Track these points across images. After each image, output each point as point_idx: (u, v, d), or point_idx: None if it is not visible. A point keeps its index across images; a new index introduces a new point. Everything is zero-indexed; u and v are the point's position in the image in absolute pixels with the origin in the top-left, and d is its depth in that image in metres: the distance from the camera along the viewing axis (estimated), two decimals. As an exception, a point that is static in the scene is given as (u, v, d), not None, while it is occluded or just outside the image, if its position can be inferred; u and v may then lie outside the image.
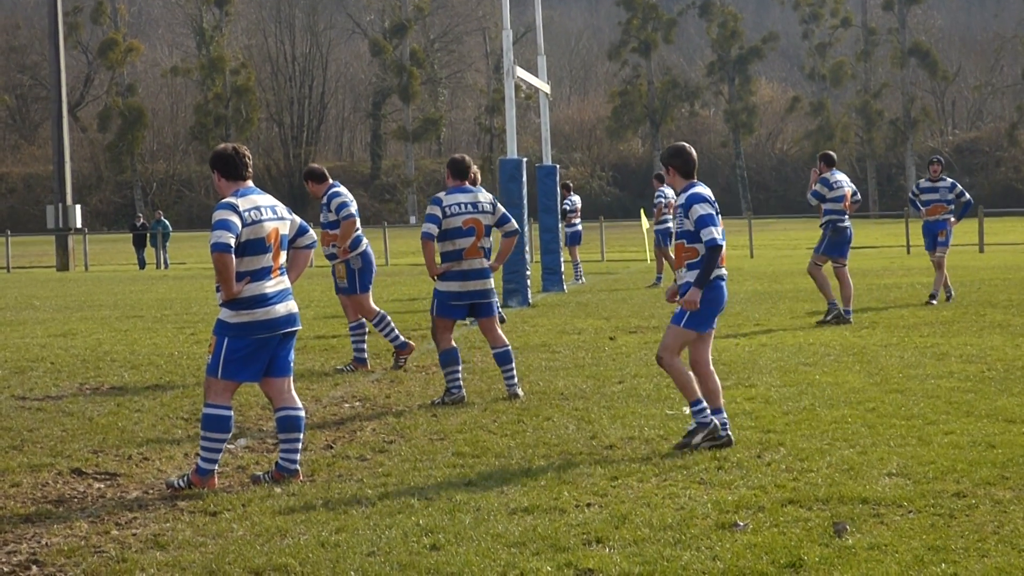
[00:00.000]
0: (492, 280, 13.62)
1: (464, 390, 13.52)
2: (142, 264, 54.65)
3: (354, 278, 16.18)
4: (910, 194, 23.90)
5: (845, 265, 20.64)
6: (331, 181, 16.26)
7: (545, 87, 32.32)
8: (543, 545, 7.80)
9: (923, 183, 23.46)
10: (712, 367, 11.02)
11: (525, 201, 26.54)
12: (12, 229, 69.51)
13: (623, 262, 47.64)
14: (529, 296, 26.03)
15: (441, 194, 13.50)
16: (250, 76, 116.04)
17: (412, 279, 36.39)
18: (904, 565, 7.25)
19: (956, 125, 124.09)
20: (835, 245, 20.65)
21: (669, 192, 29.59)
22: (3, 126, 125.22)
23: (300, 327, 9.93)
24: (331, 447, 11.23)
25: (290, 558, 7.63)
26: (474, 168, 13.91)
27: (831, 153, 21.22)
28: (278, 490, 9.43)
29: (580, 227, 33.86)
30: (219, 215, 9.52)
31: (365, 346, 16.45)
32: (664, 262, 30.72)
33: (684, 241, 10.78)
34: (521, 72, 28.26)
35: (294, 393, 9.99)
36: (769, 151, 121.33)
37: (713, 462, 9.97)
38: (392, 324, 16.30)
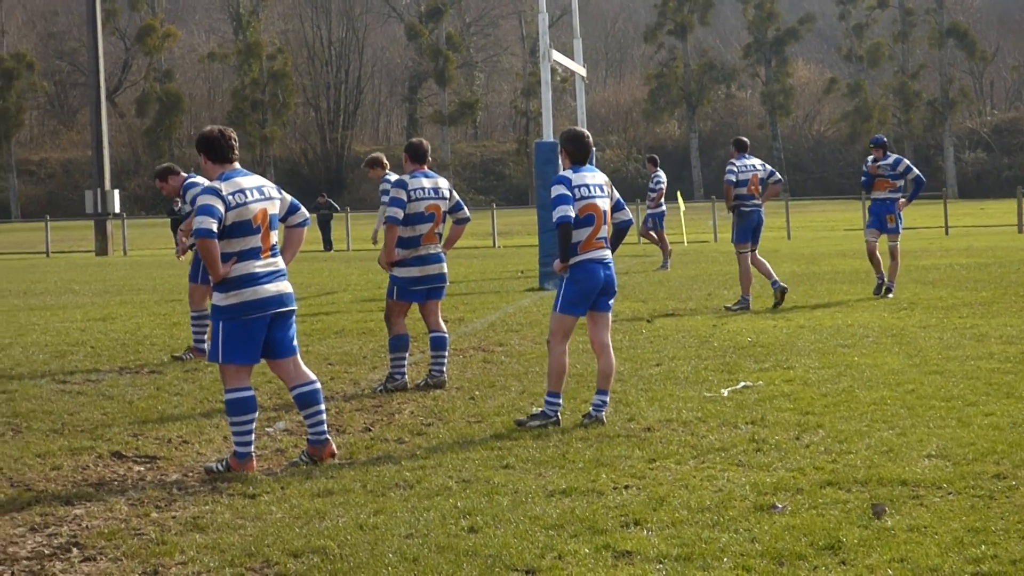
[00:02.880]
0: (446, 264, 13.77)
1: (407, 376, 13.56)
2: (180, 249, 54.77)
3: (197, 268, 16.16)
4: (862, 175, 22.13)
5: (755, 251, 20.92)
6: (186, 174, 16.24)
7: (581, 70, 32.26)
8: (581, 527, 7.80)
9: (869, 162, 21.74)
10: (609, 346, 11.35)
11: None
12: (51, 214, 69.85)
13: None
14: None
15: (405, 177, 13.58)
16: (287, 61, 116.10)
17: (448, 262, 36.39)
18: (943, 547, 7.22)
19: (995, 105, 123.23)
20: (745, 230, 20.84)
21: (664, 176, 31.03)
22: (42, 112, 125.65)
23: (294, 307, 9.90)
24: (369, 430, 11.26)
25: (328, 540, 7.65)
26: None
27: (743, 138, 21.40)
28: (316, 472, 9.46)
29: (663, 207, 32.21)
30: (202, 200, 9.52)
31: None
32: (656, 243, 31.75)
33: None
34: (557, 55, 28.23)
35: (305, 368, 10.00)
36: (806, 133, 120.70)
37: (751, 444, 9.95)
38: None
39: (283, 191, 10.04)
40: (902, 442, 9.82)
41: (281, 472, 9.59)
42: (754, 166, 20.94)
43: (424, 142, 13.97)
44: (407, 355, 13.56)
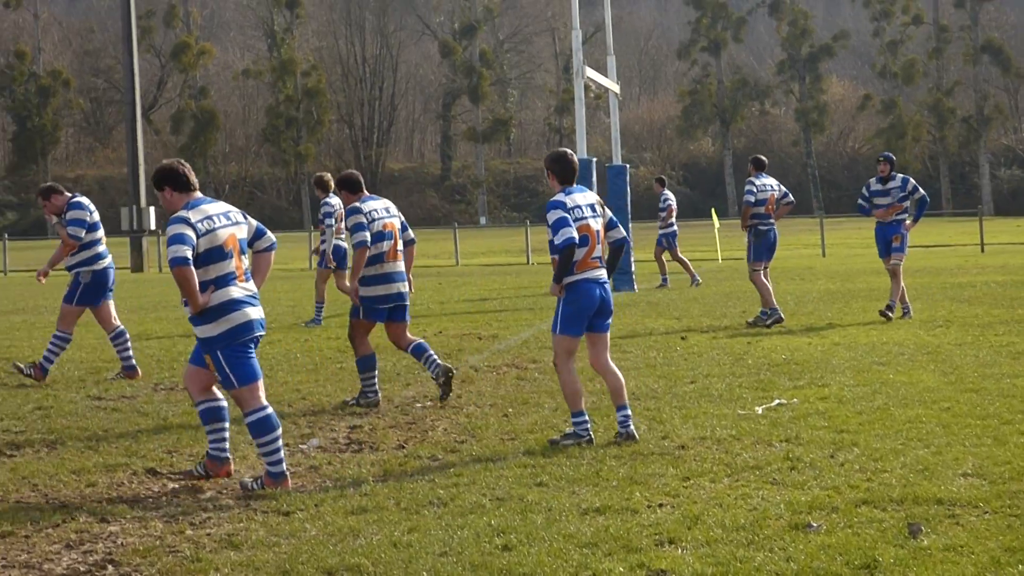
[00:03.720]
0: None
1: (379, 395, 13.70)
2: (215, 266, 54.90)
3: (75, 290, 16.19)
4: (859, 198, 21.70)
5: (766, 269, 21.04)
6: (70, 195, 16.22)
7: (615, 87, 32.27)
8: (615, 546, 7.78)
9: (873, 184, 21.31)
10: (611, 365, 11.41)
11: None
12: (87, 231, 70.04)
13: (694, 261, 47.47)
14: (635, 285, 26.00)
15: (356, 203, 13.78)
16: (321, 78, 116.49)
17: (482, 279, 36.40)
18: (980, 566, 7.17)
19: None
20: (761, 249, 20.97)
21: (672, 196, 31.17)
22: (78, 129, 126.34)
23: (264, 332, 10.00)
24: (403, 447, 11.26)
25: (363, 558, 7.65)
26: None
27: (761, 157, 21.58)
28: (351, 490, 9.47)
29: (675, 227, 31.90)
30: (172, 230, 9.56)
31: (131, 353, 16.44)
32: (665, 264, 31.76)
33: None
34: (590, 72, 28.25)
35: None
36: (841, 150, 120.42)
37: (786, 462, 9.92)
38: (128, 343, 16.39)
39: (248, 216, 10.12)
40: (938, 460, 9.77)
41: (315, 489, 9.59)
42: (771, 186, 21.11)
43: (355, 173, 14.31)
44: (376, 373, 13.71)
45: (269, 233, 10.25)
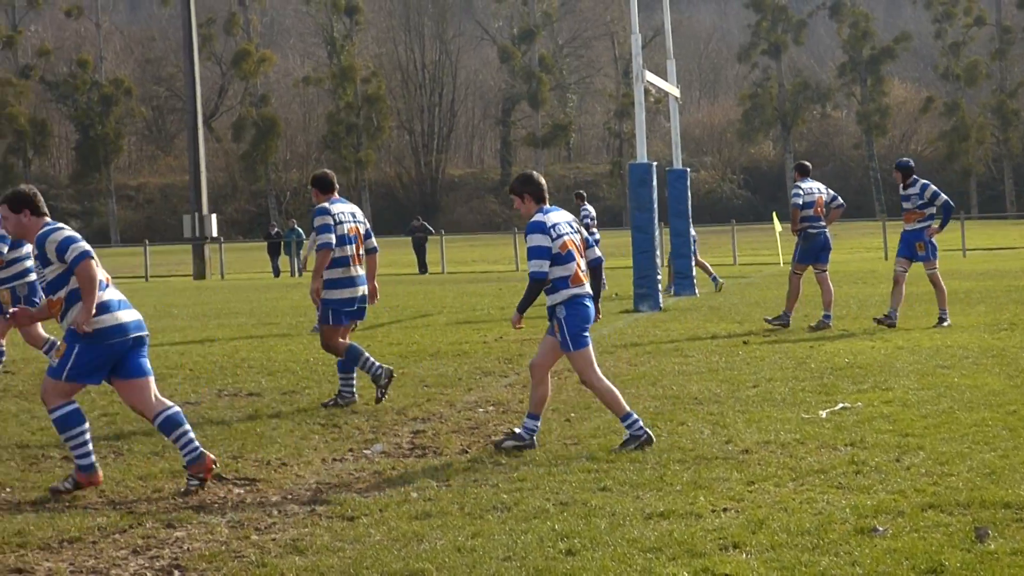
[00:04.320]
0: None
1: (357, 395, 13.98)
2: (276, 272, 55.28)
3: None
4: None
5: (825, 271, 21.08)
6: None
7: (675, 91, 32.21)
8: (679, 550, 7.76)
9: (900, 190, 21.03)
10: (547, 376, 11.48)
11: (656, 205, 26.58)
12: (150, 239, 70.64)
13: (755, 265, 47.32)
14: (660, 300, 25.97)
15: (326, 204, 13.95)
16: (380, 84, 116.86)
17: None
18: (1049, 571, 7.11)
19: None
20: (809, 252, 21.08)
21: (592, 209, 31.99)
22: (140, 137, 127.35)
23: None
24: (466, 451, 11.28)
25: (427, 563, 7.67)
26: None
27: (805, 163, 21.78)
28: (414, 495, 9.49)
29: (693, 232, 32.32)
30: (49, 246, 9.87)
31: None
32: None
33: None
34: (650, 76, 28.20)
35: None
36: (903, 152, 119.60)
37: (851, 466, 9.86)
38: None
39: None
40: (1004, 464, 9.70)
41: (379, 494, 9.62)
42: (819, 189, 21.15)
43: (329, 173, 14.45)
44: (355, 375, 14.02)
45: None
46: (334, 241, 13.71)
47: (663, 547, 7.84)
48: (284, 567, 7.74)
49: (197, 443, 10.07)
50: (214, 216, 58.40)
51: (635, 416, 11.12)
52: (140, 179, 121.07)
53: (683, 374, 15.58)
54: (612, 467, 10.21)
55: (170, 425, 10.09)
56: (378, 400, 13.81)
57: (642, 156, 26.72)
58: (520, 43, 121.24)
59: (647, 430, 11.07)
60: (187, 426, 10.13)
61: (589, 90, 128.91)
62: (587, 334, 11.34)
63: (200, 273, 56.11)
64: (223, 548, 8.27)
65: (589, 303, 11.32)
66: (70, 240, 9.82)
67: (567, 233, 11.25)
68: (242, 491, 10.00)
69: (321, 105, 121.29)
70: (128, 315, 10.04)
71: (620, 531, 8.23)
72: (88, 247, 9.85)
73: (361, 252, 14.04)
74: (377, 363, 13.83)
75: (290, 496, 9.75)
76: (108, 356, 9.90)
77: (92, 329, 9.76)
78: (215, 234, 57.94)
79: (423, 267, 53.71)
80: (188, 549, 8.30)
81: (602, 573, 7.34)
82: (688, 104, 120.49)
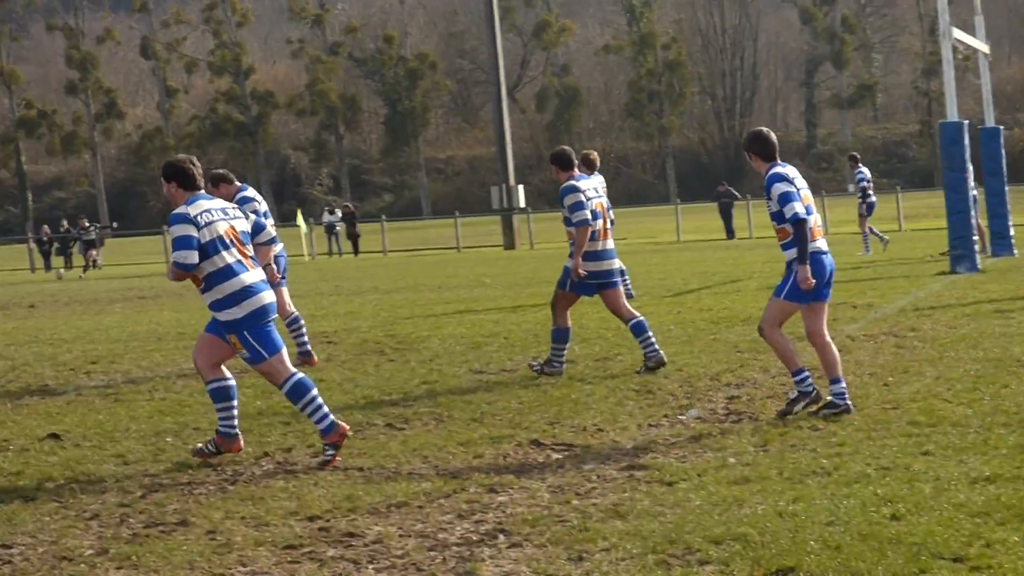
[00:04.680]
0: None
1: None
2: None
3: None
4: None
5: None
6: (240, 184, 15.80)
7: (984, 47, 31.30)
8: (1008, 515, 7.57)
9: None
10: (828, 338, 11.26)
11: (969, 165, 25.92)
12: (460, 210, 71.94)
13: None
14: (978, 261, 25.32)
15: (573, 181, 14.05)
16: (681, 50, 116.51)
17: (852, 246, 35.69)
18: None
19: None
20: None
21: (867, 172, 31.38)
22: (447, 111, 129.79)
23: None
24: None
25: (749, 527, 7.65)
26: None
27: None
28: (732, 460, 9.48)
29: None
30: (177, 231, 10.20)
31: (307, 339, 16.53)
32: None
33: (775, 223, 11.19)
34: (957, 33, 27.46)
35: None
36: None
37: None
38: (303, 329, 16.55)
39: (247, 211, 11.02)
40: None
41: (696, 459, 9.63)
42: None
43: (567, 149, 14.67)
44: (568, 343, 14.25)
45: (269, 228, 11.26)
46: (590, 216, 13.87)
47: (991, 512, 7.65)
48: (606, 531, 7.81)
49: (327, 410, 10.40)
50: (521, 187, 59.08)
51: (804, 374, 11.24)
52: (448, 152, 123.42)
53: (1005, 336, 15.15)
54: (933, 431, 10.01)
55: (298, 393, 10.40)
56: (537, 370, 14.07)
57: (952, 115, 26.05)
58: (822, 4, 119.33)
59: (820, 390, 11.30)
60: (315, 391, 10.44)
61: (894, 49, 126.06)
62: (811, 293, 11.14)
63: (510, 243, 56.84)
64: (545, 513, 8.39)
65: (822, 258, 11.20)
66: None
67: (803, 188, 11.29)
68: (560, 456, 10.13)
69: (622, 73, 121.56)
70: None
71: (945, 495, 8.07)
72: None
73: (608, 226, 14.24)
74: (657, 347, 14.11)
75: (608, 461, 9.84)
76: None
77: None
78: (523, 204, 58.63)
79: (730, 232, 53.43)
80: (511, 513, 8.45)
81: (929, 537, 7.21)
82: (998, 60, 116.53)
